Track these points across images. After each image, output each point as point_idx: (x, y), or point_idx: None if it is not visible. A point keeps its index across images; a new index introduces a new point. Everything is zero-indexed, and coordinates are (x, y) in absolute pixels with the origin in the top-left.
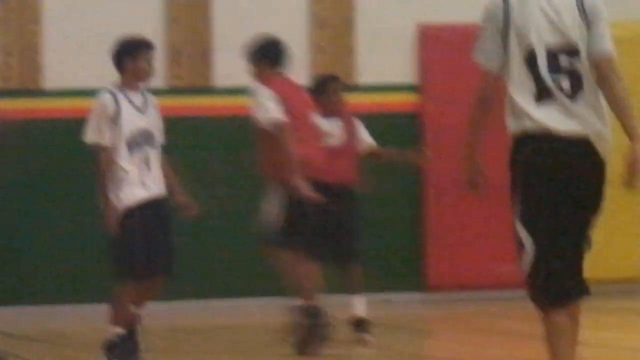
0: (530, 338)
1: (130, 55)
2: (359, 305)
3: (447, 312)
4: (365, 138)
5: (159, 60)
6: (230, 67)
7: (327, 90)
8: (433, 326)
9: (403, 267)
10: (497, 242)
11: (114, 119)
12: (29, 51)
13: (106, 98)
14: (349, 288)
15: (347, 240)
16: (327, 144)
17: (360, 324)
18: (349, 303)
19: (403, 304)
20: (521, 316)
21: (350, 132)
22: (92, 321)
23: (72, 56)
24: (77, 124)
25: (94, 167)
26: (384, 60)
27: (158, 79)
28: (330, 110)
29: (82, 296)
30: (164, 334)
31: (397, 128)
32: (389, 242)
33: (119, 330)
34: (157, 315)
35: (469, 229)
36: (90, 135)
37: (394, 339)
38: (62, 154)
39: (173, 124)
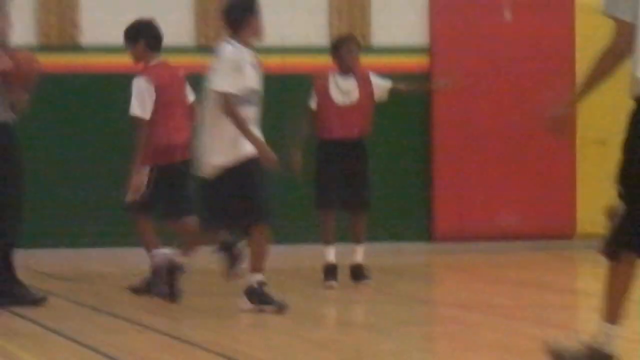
0: (531, 285)
1: (251, 11)
2: (359, 253)
3: (453, 261)
4: (381, 82)
5: (190, 20)
6: None
7: (342, 50)
8: (439, 274)
9: (411, 218)
10: (502, 194)
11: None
12: (67, 8)
13: (234, 51)
14: (353, 236)
15: (358, 190)
16: (343, 102)
17: (358, 270)
18: (352, 250)
19: (411, 253)
20: (522, 266)
21: (365, 90)
22: (127, 263)
23: (108, 14)
24: (111, 78)
25: (127, 119)
26: (397, 23)
27: (187, 38)
28: (346, 69)
29: (117, 240)
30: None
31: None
32: (398, 194)
33: (259, 277)
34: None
35: (475, 182)
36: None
37: (403, 284)
38: (98, 107)
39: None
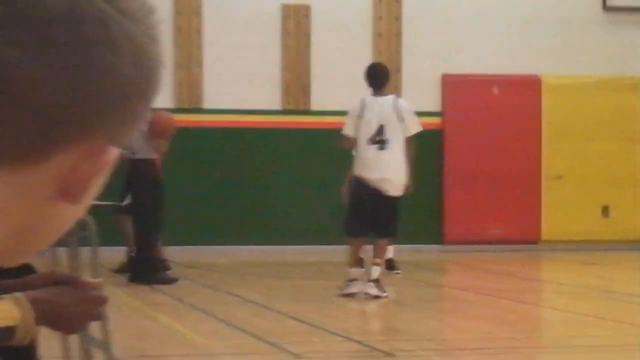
0: (511, 275)
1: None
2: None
3: (459, 259)
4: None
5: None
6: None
7: None
8: (448, 268)
9: (427, 226)
10: (492, 212)
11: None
12: (194, 82)
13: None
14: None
15: (387, 222)
16: None
17: (391, 263)
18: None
19: (426, 252)
20: (505, 262)
21: None
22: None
23: (220, 86)
24: (224, 131)
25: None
26: (420, 94)
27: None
28: None
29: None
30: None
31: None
32: (416, 210)
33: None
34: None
35: (473, 202)
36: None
37: (420, 275)
38: (213, 153)
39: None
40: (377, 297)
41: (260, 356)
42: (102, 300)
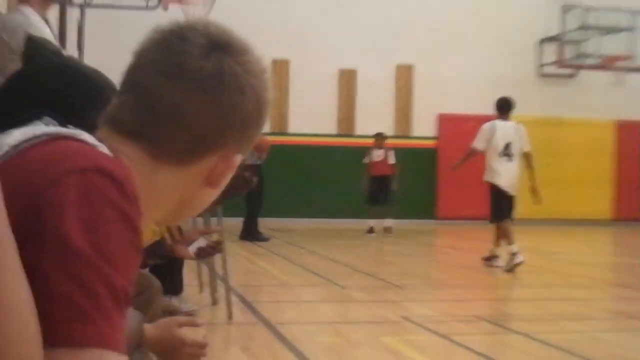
0: (489, 243)
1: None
2: (388, 222)
3: (449, 229)
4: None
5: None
6: None
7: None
8: (440, 235)
9: (422, 204)
10: (474, 194)
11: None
12: (282, 109)
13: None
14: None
15: (386, 197)
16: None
17: (388, 230)
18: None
19: (421, 225)
20: (487, 233)
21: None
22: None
23: (305, 115)
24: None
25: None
26: (423, 126)
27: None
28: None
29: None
30: None
31: (424, 155)
32: (414, 190)
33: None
34: None
35: (460, 186)
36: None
37: (416, 240)
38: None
39: None
40: (518, 264)
41: (319, 287)
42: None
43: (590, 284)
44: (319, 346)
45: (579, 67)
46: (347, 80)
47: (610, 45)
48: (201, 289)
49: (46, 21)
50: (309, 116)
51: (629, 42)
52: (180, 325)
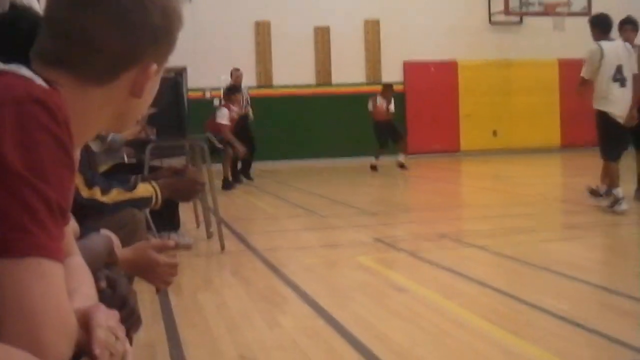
0: (447, 170)
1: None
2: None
3: (419, 162)
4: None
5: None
6: None
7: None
8: (410, 167)
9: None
10: (433, 136)
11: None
12: (267, 63)
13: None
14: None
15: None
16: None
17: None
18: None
19: (394, 160)
20: (444, 163)
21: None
22: None
23: (290, 66)
24: (288, 99)
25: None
26: (391, 73)
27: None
28: None
29: None
30: None
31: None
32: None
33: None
34: None
35: (430, 124)
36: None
37: (389, 173)
38: (281, 117)
39: None
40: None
41: (303, 217)
42: (202, 185)
43: (539, 201)
44: (300, 266)
45: (524, 14)
46: (322, 36)
47: None
48: (198, 225)
49: None
50: (290, 70)
51: None
52: (154, 248)
